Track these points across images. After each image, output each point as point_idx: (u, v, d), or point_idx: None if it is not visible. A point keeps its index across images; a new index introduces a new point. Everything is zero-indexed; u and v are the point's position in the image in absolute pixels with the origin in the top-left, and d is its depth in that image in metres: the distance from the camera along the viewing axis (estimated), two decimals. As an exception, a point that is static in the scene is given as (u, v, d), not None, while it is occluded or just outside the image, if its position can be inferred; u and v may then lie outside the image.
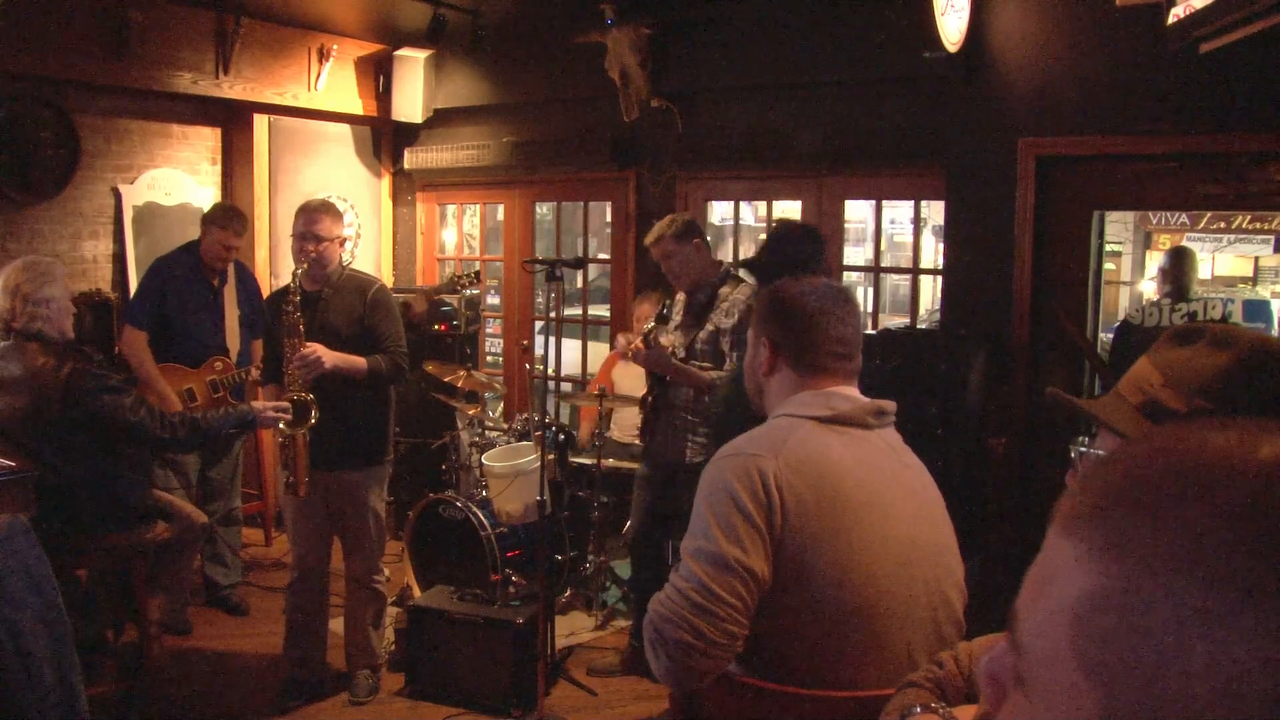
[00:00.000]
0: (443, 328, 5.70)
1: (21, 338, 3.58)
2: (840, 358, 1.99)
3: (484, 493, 4.63)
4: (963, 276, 4.43)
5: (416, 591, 4.60)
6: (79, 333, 4.02)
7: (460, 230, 7.72)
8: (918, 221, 5.90)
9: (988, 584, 3.32)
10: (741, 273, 4.10)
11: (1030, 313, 4.17)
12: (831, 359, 1.98)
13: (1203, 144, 3.77)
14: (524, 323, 6.57)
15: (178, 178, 5.90)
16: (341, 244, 3.96)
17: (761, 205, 5.89)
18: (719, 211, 6.30)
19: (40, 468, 3.50)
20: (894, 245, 10.76)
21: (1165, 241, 10.82)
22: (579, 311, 6.66)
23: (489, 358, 7.54)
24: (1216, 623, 0.47)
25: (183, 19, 5.35)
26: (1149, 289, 9.70)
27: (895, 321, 6.26)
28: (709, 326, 3.95)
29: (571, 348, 6.54)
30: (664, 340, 3.96)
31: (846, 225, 5.49)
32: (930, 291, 8.52)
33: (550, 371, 5.55)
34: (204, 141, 6.08)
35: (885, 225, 7.62)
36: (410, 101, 6.16)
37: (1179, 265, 4.86)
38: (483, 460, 4.69)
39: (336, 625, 4.22)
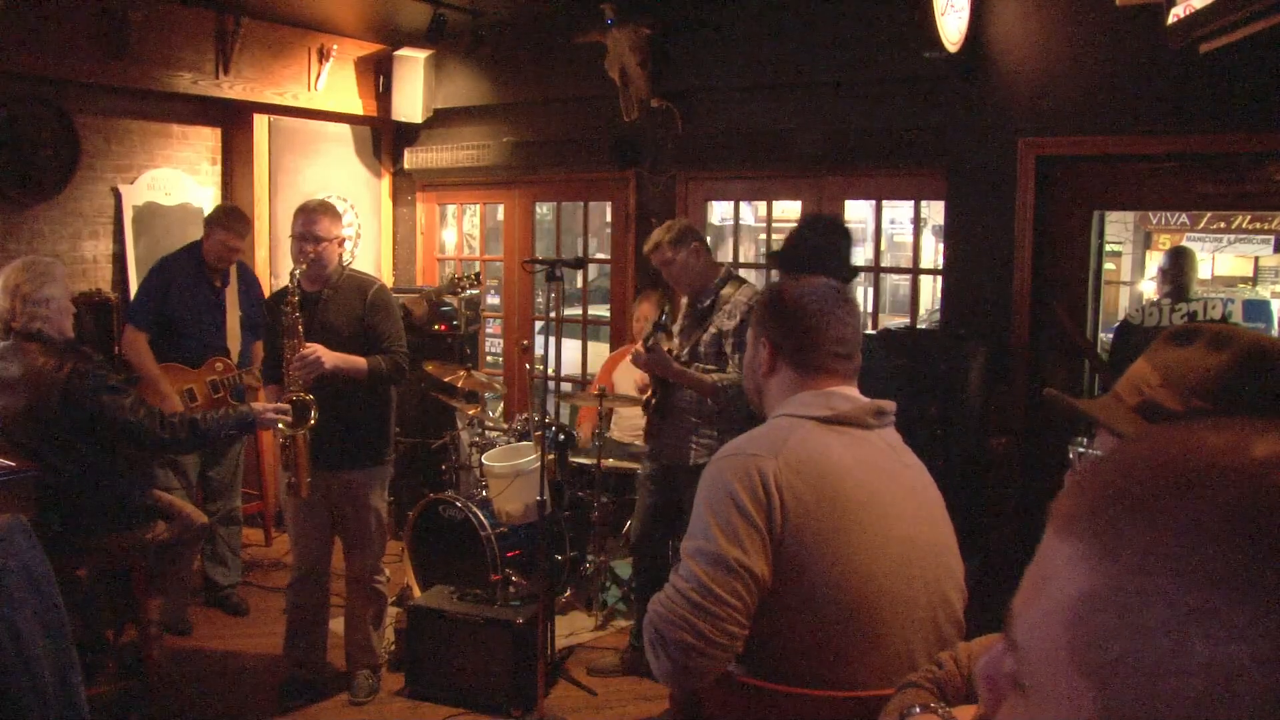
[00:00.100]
0: (443, 328, 5.70)
1: (21, 338, 3.58)
2: (840, 358, 1.99)
3: (484, 493, 4.64)
4: (963, 276, 4.43)
5: (416, 591, 4.61)
6: (79, 333, 4.02)
7: (460, 230, 7.72)
8: (918, 221, 5.90)
9: (988, 584, 3.32)
10: (742, 272, 4.10)
11: (1030, 313, 4.17)
12: (831, 359, 1.98)
13: (1203, 144, 3.77)
14: (524, 323, 6.57)
15: (178, 178, 5.90)
16: (341, 244, 3.96)
17: (761, 205, 5.89)
18: (719, 211, 6.30)
19: (40, 468, 3.50)
20: (894, 245, 10.78)
21: (1165, 241, 10.84)
22: (579, 311, 6.66)
23: (489, 358, 7.54)
24: (1213, 621, 0.47)
25: (183, 19, 5.36)
26: (1149, 289, 9.70)
27: (895, 321, 6.26)
28: (711, 329, 3.95)
29: (571, 348, 6.54)
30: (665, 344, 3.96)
31: (846, 225, 5.48)
32: (930, 291, 8.53)
33: (550, 371, 5.55)
34: (204, 141, 6.08)
35: (885, 225, 7.63)
36: (410, 101, 6.17)
37: (1179, 265, 4.86)
38: (483, 460, 4.69)
39: (337, 625, 4.22)
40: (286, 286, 3.85)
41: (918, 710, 1.38)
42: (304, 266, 3.80)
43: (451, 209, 7.16)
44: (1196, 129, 3.75)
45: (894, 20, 4.54)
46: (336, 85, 6.16)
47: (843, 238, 3.61)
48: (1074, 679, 0.51)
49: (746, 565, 1.73)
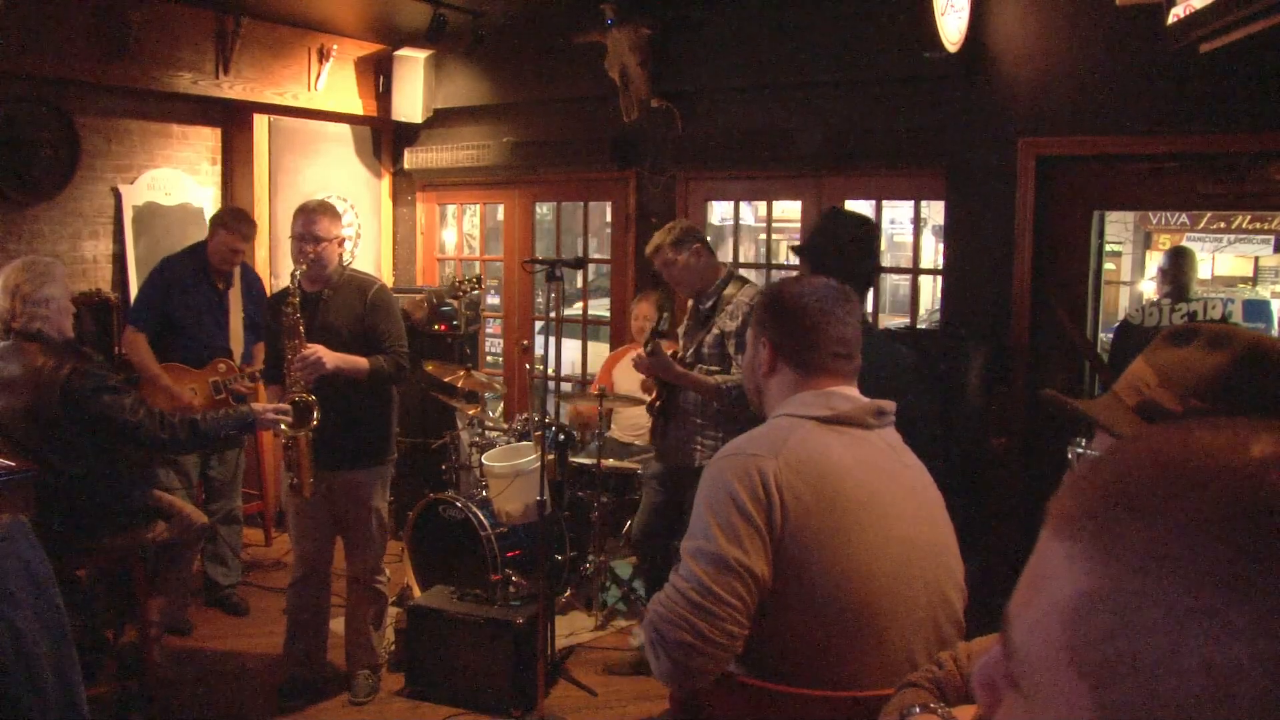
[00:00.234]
0: (443, 328, 5.70)
1: (21, 338, 3.58)
2: (840, 358, 1.99)
3: (484, 493, 4.63)
4: (962, 276, 4.43)
5: (416, 591, 4.60)
6: (79, 333, 4.02)
7: (460, 230, 7.72)
8: (918, 221, 5.89)
9: (988, 584, 3.32)
10: (743, 272, 4.10)
11: (1030, 313, 4.17)
12: (832, 359, 1.98)
13: (1203, 144, 3.78)
14: (524, 323, 6.57)
15: (178, 178, 5.90)
16: (340, 244, 3.96)
17: (761, 205, 5.89)
18: (719, 211, 6.30)
19: (40, 468, 3.50)
20: (894, 245, 10.78)
21: (1165, 241, 10.84)
22: (579, 311, 6.66)
23: (489, 358, 7.54)
24: (1210, 621, 0.47)
25: (183, 19, 5.36)
26: (1149, 289, 9.70)
27: (895, 321, 6.26)
28: (714, 330, 3.94)
29: (571, 348, 6.54)
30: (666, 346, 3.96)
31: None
32: (930, 291, 8.52)
33: (550, 371, 5.55)
34: (204, 141, 6.08)
35: (885, 225, 7.63)
36: (410, 101, 6.16)
37: (1179, 265, 4.86)
38: (483, 460, 4.69)
39: (337, 625, 4.22)
40: (287, 287, 3.84)
41: (917, 710, 1.38)
42: (304, 267, 3.80)
43: (451, 209, 7.16)
44: (1196, 129, 3.75)
45: (894, 20, 4.54)
46: (336, 85, 6.16)
47: (865, 229, 3.54)
48: (1072, 679, 0.51)
49: (746, 565, 1.73)
